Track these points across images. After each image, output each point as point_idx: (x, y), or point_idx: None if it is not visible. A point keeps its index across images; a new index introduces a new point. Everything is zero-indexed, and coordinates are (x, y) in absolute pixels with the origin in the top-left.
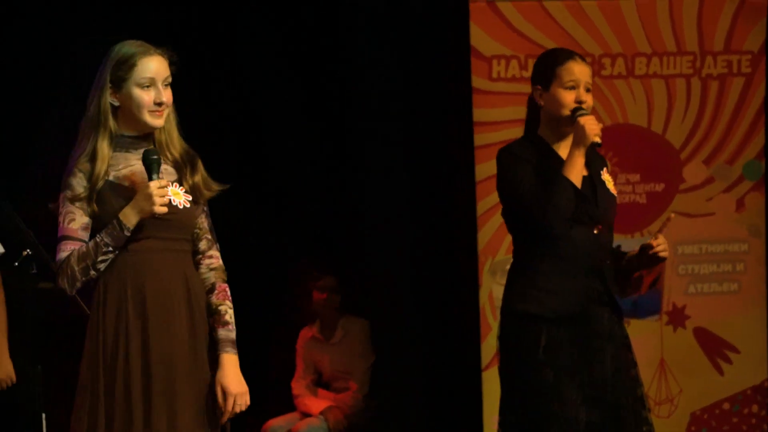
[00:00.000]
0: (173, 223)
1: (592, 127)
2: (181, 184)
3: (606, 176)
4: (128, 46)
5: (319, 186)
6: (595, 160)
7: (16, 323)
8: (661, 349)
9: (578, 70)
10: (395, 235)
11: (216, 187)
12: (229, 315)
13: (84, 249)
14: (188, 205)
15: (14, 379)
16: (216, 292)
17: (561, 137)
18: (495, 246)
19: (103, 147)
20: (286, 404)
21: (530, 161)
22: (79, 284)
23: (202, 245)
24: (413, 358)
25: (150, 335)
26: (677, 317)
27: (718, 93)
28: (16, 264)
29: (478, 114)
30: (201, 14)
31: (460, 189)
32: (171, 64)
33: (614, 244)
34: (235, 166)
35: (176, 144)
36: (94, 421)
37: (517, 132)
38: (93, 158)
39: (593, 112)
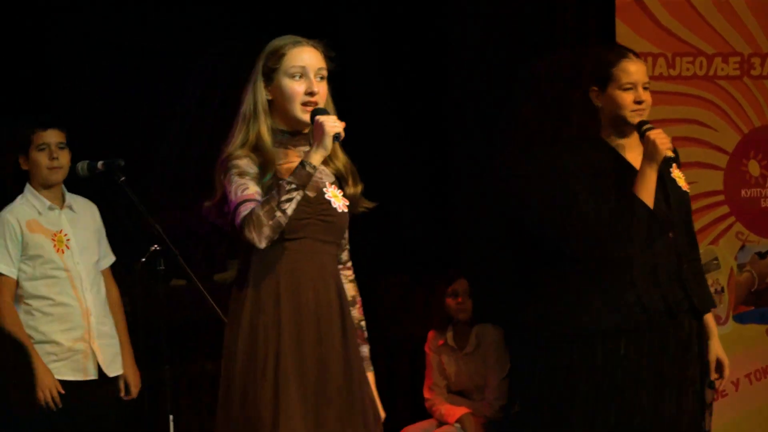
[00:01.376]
0: (331, 226)
1: (663, 142)
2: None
3: (676, 173)
4: (279, 39)
5: (452, 191)
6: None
7: (144, 323)
8: None
9: (634, 70)
10: None
11: (367, 203)
12: (365, 330)
13: (268, 197)
14: (345, 210)
15: (139, 385)
16: (357, 306)
17: (623, 137)
18: None
19: (266, 139)
20: (418, 411)
21: (601, 173)
22: (267, 230)
23: (344, 256)
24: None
25: (304, 339)
26: None
27: None
28: (144, 260)
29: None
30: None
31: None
32: (325, 57)
33: (763, 250)
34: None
35: (339, 154)
36: (257, 416)
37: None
38: (256, 149)
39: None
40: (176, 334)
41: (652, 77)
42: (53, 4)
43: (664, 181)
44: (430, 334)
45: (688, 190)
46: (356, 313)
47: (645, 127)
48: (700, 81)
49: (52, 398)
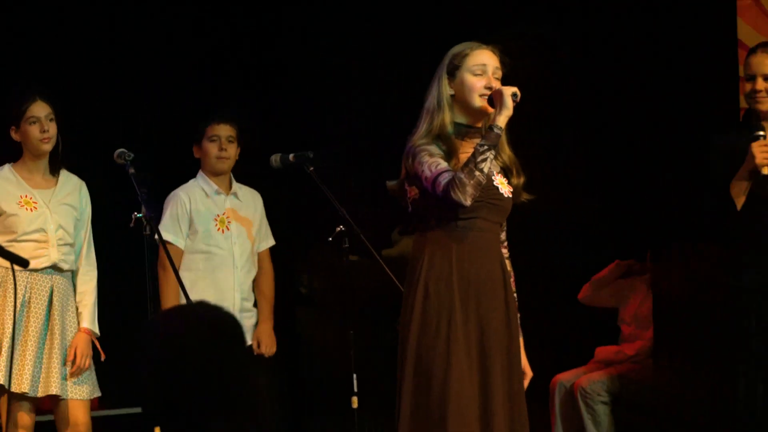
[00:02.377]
0: (498, 209)
1: (761, 159)
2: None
3: None
4: (463, 43)
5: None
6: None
7: (331, 295)
8: None
9: (754, 62)
10: None
11: (526, 196)
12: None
13: (464, 163)
14: (510, 196)
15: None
16: (511, 279)
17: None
18: None
19: (448, 129)
20: (574, 361)
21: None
22: (470, 189)
23: (503, 236)
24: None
25: (471, 304)
26: None
27: None
28: (330, 239)
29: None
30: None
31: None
32: (501, 61)
33: None
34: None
35: (507, 149)
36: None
37: None
38: (439, 138)
39: None
40: (357, 302)
41: None
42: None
43: None
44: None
45: None
46: (511, 286)
47: (755, 134)
48: None
49: None
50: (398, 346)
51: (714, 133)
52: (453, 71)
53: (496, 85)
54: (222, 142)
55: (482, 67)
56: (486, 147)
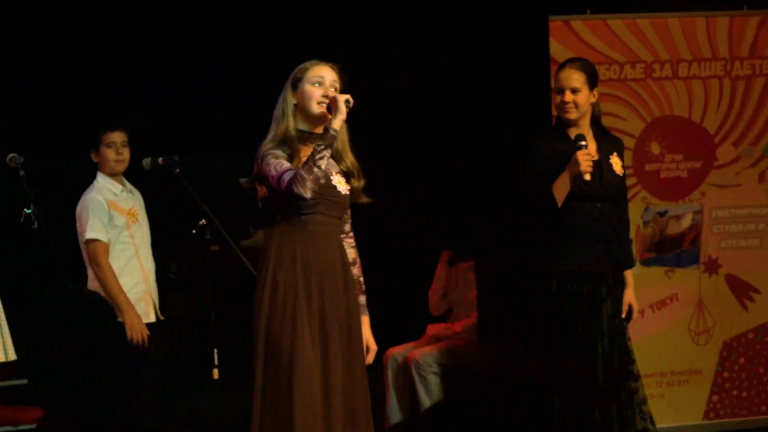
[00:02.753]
0: (336, 205)
1: (585, 166)
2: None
3: (614, 159)
4: (306, 62)
5: (458, 180)
6: (606, 145)
7: (195, 280)
8: (699, 291)
9: (562, 77)
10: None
11: (365, 198)
12: (364, 285)
13: (305, 161)
14: (347, 193)
15: (147, 332)
16: (357, 265)
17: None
18: None
19: (291, 134)
20: (407, 335)
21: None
22: (309, 183)
23: (347, 227)
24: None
25: (314, 289)
26: (712, 266)
27: (745, 90)
28: (194, 231)
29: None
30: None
31: (543, 203)
32: (339, 76)
33: (662, 210)
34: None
35: (349, 155)
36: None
37: None
38: (284, 143)
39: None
40: (219, 287)
41: None
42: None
43: (602, 165)
44: (444, 253)
45: (621, 174)
46: (356, 270)
47: (579, 143)
48: (614, 83)
49: (142, 338)
50: (251, 326)
51: (534, 138)
52: (296, 83)
53: (331, 94)
54: (118, 147)
55: (320, 79)
56: (323, 147)
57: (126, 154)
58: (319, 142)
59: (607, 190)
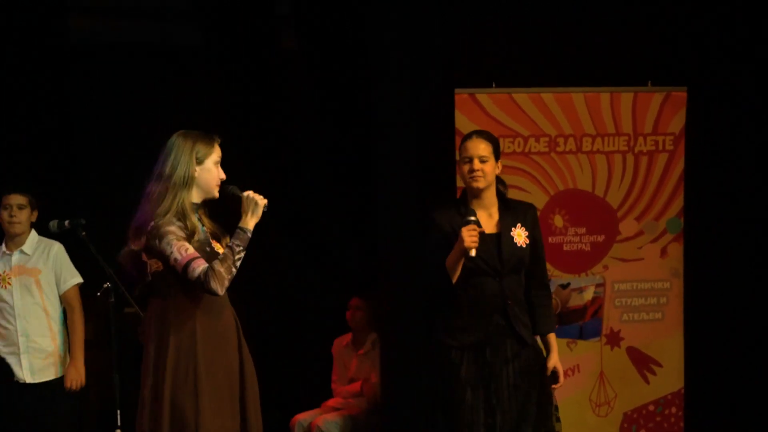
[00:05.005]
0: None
1: (469, 242)
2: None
3: (517, 231)
4: (199, 133)
5: (345, 216)
6: (508, 218)
7: (102, 341)
8: (601, 363)
9: (470, 147)
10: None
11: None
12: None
13: (222, 256)
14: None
15: (84, 383)
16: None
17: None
18: None
19: (190, 208)
20: (313, 402)
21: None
22: (227, 282)
23: None
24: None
25: (214, 355)
26: (614, 339)
27: (648, 165)
28: (99, 294)
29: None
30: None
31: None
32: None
33: (564, 282)
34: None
35: (208, 219)
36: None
37: None
38: (183, 217)
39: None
40: (124, 350)
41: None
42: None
43: (501, 240)
44: (336, 340)
45: (525, 245)
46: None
47: (466, 218)
48: (518, 156)
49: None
50: (148, 392)
51: (434, 211)
52: (201, 158)
53: (223, 175)
54: (12, 210)
55: (219, 159)
56: (241, 248)
57: (21, 216)
58: (237, 242)
59: (506, 265)
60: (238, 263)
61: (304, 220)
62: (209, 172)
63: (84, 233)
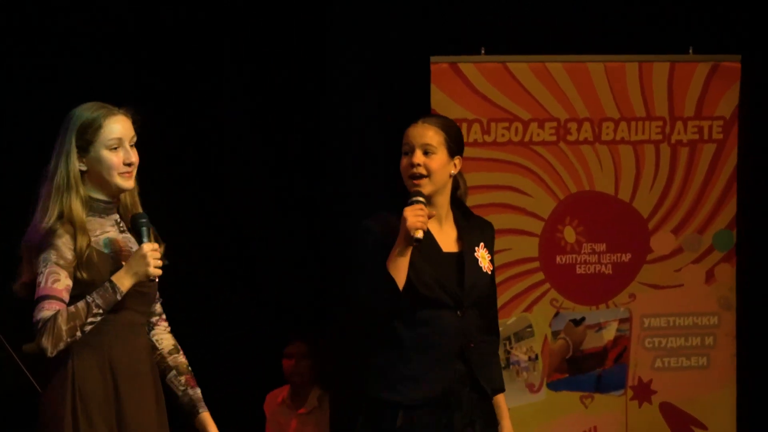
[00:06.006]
0: (146, 297)
1: (413, 222)
2: None
3: (480, 253)
4: (90, 110)
5: (290, 252)
6: (469, 234)
7: None
8: (626, 425)
9: (412, 134)
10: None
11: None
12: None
13: (72, 309)
14: (156, 278)
15: None
16: (181, 353)
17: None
18: None
19: (79, 212)
20: None
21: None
22: (62, 345)
23: (158, 308)
24: None
25: (125, 411)
26: (643, 392)
27: (688, 160)
28: None
29: None
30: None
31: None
32: (134, 123)
33: (577, 317)
34: (200, 227)
35: (139, 207)
36: None
37: (477, 198)
38: (71, 223)
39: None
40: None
41: (466, 144)
42: None
43: (462, 263)
44: (268, 396)
45: (490, 272)
46: (183, 359)
47: (411, 200)
48: (516, 147)
49: None
50: None
51: (370, 219)
52: (85, 146)
53: (134, 157)
54: None
55: (118, 141)
56: (101, 311)
57: None
58: (97, 301)
59: (469, 294)
60: (89, 328)
61: (226, 231)
62: (101, 161)
63: None
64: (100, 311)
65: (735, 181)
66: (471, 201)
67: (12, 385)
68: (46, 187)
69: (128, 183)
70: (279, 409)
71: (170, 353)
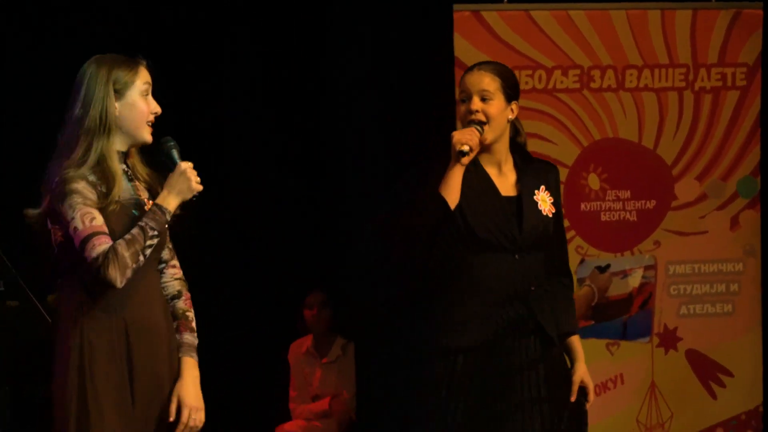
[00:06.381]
0: (160, 244)
1: (458, 138)
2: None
3: (540, 196)
4: (119, 57)
5: (307, 206)
6: (529, 177)
7: None
8: (651, 372)
9: (469, 81)
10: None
11: (179, 211)
12: (194, 322)
13: (128, 237)
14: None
15: None
16: (183, 298)
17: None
18: None
19: (114, 159)
20: (264, 427)
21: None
22: (129, 273)
23: (166, 255)
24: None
25: (136, 364)
26: (669, 339)
27: (712, 107)
28: None
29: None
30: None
31: (432, 211)
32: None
33: (603, 264)
34: (215, 181)
35: (144, 166)
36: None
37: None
38: (98, 169)
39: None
40: (15, 355)
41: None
42: None
43: (521, 204)
44: (292, 346)
45: (551, 214)
46: (182, 304)
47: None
48: (539, 94)
49: None
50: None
51: (430, 161)
52: (122, 90)
53: (156, 107)
54: None
55: (148, 87)
56: (156, 232)
57: None
58: (150, 224)
59: (527, 237)
60: (148, 251)
61: (241, 190)
62: (133, 107)
63: None
64: (155, 233)
65: (759, 128)
66: None
67: (35, 337)
68: (69, 133)
69: (149, 136)
70: (304, 358)
71: (172, 299)
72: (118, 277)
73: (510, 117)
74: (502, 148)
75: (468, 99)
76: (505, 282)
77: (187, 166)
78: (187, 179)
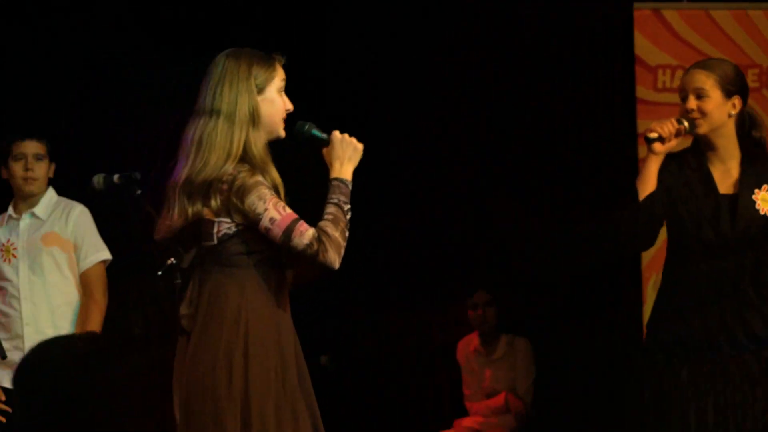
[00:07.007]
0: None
1: (654, 125)
2: None
3: (761, 195)
4: (257, 53)
5: (470, 204)
6: (751, 174)
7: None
8: None
9: (685, 80)
10: (554, 251)
11: None
12: None
13: (330, 217)
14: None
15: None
16: None
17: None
18: (659, 262)
19: (268, 153)
20: (439, 423)
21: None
22: (342, 252)
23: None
24: (574, 378)
25: (294, 357)
26: None
27: None
28: (160, 273)
29: (643, 126)
30: None
31: (622, 204)
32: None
33: None
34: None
35: (272, 167)
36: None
37: (681, 145)
38: (246, 159)
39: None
40: None
41: (670, 89)
42: None
43: (736, 203)
44: (459, 344)
45: None
46: None
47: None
48: None
49: None
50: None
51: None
52: (262, 86)
53: (290, 104)
54: (28, 161)
55: (283, 85)
56: (348, 206)
57: (39, 170)
58: (342, 198)
59: (741, 236)
60: (349, 226)
61: (400, 192)
62: (273, 103)
63: (139, 191)
64: (349, 207)
65: None
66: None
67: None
68: (212, 124)
69: (284, 131)
70: (473, 356)
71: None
72: (336, 259)
73: (732, 112)
74: (726, 144)
75: (686, 98)
76: (713, 281)
77: (350, 138)
78: (348, 143)
